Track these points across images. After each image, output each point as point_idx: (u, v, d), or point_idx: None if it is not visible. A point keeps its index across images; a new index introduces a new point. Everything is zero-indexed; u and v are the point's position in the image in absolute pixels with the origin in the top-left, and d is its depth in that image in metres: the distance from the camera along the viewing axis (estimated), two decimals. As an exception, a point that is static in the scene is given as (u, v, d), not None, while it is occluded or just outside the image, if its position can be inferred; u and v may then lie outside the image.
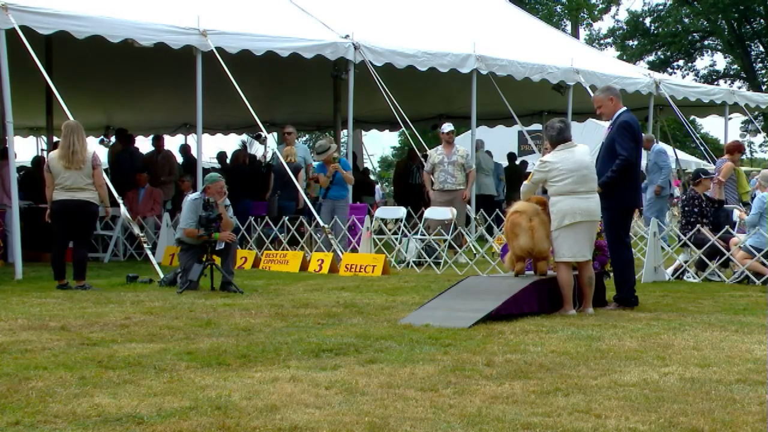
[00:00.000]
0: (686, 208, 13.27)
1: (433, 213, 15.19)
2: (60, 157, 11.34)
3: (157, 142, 19.61)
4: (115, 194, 13.30)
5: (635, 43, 54.87)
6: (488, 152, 21.79)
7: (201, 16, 14.59)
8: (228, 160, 20.24)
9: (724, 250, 12.46)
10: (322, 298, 10.53)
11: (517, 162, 24.26)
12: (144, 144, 24.88)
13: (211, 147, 22.26)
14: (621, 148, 9.56)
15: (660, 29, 53.46)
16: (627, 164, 9.55)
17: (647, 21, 54.57)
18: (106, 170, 13.98)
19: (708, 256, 12.68)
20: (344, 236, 14.85)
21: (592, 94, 17.34)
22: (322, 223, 14.58)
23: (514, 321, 8.58)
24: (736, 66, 55.66)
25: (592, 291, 9.44)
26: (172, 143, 25.98)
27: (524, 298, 9.05)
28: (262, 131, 16.67)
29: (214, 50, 14.46)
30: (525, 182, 9.76)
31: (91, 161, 11.42)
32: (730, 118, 23.76)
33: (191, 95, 14.78)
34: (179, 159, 20.52)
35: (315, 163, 15.82)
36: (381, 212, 17.48)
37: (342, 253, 14.08)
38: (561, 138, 9.43)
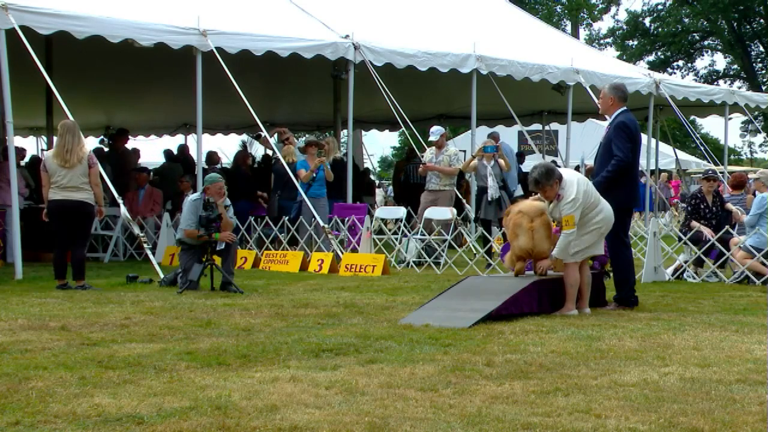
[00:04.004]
0: (689, 207, 13.35)
1: (432, 213, 15.19)
2: (54, 156, 11.42)
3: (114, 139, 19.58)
4: (115, 194, 13.32)
5: (635, 43, 54.89)
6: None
7: (201, 16, 14.58)
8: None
9: (724, 250, 12.47)
10: (322, 298, 10.53)
11: (523, 164, 24.13)
12: (140, 144, 24.99)
13: (212, 147, 22.31)
14: (617, 149, 9.58)
15: (660, 29, 53.48)
16: (622, 165, 9.57)
17: (647, 21, 54.61)
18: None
19: (705, 253, 12.72)
20: (327, 235, 14.72)
21: (592, 94, 17.38)
22: (322, 223, 14.59)
23: (514, 321, 8.58)
24: (736, 66, 55.68)
25: (589, 291, 9.46)
26: (172, 143, 26.01)
27: (524, 298, 9.05)
28: (262, 131, 16.68)
29: (214, 50, 14.46)
30: (569, 231, 9.07)
31: (87, 160, 11.42)
32: (730, 118, 23.76)
33: (191, 95, 14.77)
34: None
35: (298, 160, 15.81)
36: (381, 212, 17.48)
37: (342, 253, 14.09)
38: (558, 175, 9.20)
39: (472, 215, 16.57)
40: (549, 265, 9.38)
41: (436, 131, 15.59)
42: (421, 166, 15.76)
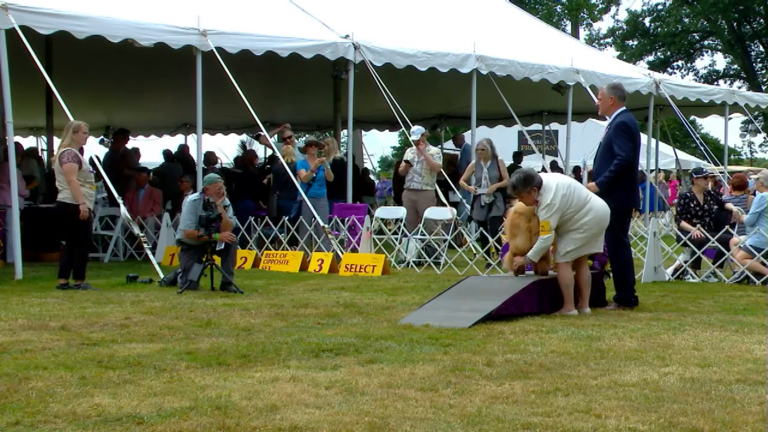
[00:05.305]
0: (679, 208, 13.42)
1: (432, 213, 15.19)
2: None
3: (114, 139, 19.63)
4: (115, 194, 13.33)
5: (635, 43, 54.87)
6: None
7: (201, 16, 14.58)
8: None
9: (724, 250, 12.47)
10: (322, 298, 10.53)
11: (522, 163, 24.11)
12: (140, 144, 24.99)
13: (212, 147, 22.38)
14: (618, 149, 9.59)
15: (660, 29, 53.44)
16: (624, 164, 9.57)
17: (647, 21, 54.58)
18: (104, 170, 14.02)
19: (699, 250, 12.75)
20: (327, 235, 14.68)
21: (592, 94, 17.36)
22: (322, 223, 14.58)
23: (514, 321, 8.58)
24: (736, 66, 55.66)
25: (589, 290, 9.46)
26: (172, 143, 26.03)
27: (524, 298, 9.05)
28: (262, 131, 16.69)
29: (214, 50, 14.46)
30: (545, 236, 9.11)
31: (58, 158, 11.25)
32: (730, 118, 23.74)
33: (191, 95, 14.77)
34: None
35: (297, 160, 15.81)
36: (381, 212, 17.48)
37: (342, 253, 14.08)
38: (537, 182, 9.19)
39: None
40: (523, 263, 9.39)
41: (416, 131, 15.59)
42: (402, 164, 15.78)
